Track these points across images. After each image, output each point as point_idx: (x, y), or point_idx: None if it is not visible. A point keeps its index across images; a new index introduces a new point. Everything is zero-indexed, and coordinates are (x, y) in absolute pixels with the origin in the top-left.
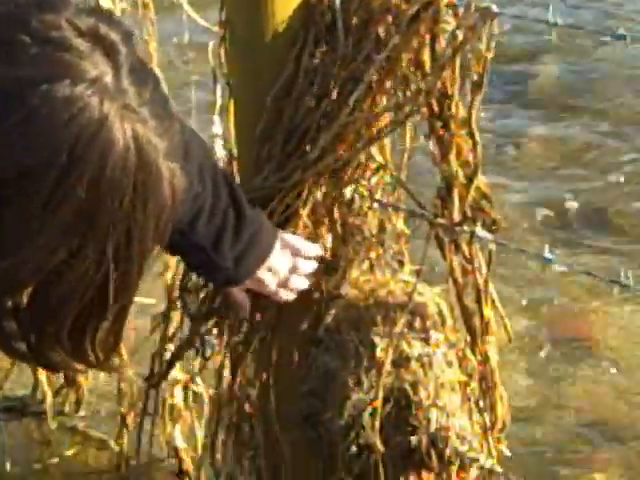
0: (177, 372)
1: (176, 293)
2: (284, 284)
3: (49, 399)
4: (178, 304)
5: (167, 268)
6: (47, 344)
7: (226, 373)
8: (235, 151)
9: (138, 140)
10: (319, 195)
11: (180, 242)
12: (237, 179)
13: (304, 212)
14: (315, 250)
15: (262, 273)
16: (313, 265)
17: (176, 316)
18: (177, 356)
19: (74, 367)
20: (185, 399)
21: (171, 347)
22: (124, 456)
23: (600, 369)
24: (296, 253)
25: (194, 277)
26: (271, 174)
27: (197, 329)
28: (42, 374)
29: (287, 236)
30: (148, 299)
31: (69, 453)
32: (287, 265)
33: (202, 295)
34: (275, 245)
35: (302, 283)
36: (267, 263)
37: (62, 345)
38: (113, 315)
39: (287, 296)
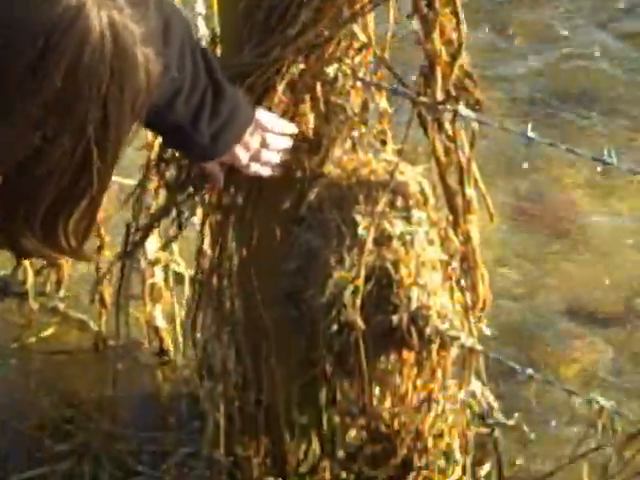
0: (157, 252)
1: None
2: (256, 158)
3: (30, 279)
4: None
5: (146, 145)
6: (18, 229)
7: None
8: (218, 30)
9: (114, 27)
10: (296, 71)
11: (158, 121)
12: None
13: (280, 87)
14: (286, 127)
15: (237, 148)
16: (285, 142)
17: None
18: (152, 225)
19: (47, 254)
20: (165, 279)
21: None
22: (102, 336)
23: (580, 253)
24: (267, 129)
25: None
26: (251, 50)
27: (173, 198)
28: None
29: (259, 112)
30: (128, 179)
31: (48, 333)
32: (258, 140)
33: (178, 166)
34: (252, 123)
35: (274, 157)
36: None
37: (34, 231)
38: (87, 201)
39: (260, 170)
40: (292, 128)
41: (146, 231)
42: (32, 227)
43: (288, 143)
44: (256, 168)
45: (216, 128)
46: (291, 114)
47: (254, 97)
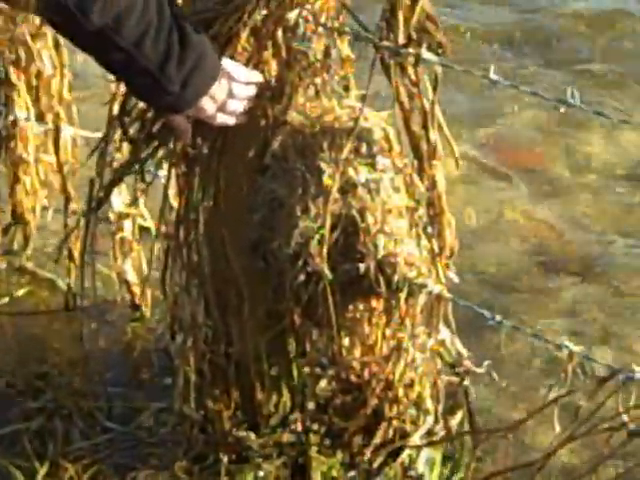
0: (125, 206)
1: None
2: (222, 108)
3: None
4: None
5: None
6: None
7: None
8: None
9: None
10: (259, 18)
11: (126, 65)
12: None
13: (243, 35)
14: (252, 76)
15: (204, 100)
16: (251, 90)
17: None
18: (116, 180)
19: None
20: (133, 233)
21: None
22: (73, 294)
23: (542, 197)
24: (232, 78)
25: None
26: None
27: (137, 153)
28: None
29: (225, 61)
30: (96, 133)
31: (19, 294)
32: (224, 91)
33: (142, 120)
34: (219, 72)
35: (239, 107)
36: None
37: None
38: None
39: (226, 120)
40: (257, 76)
41: (110, 187)
42: None
43: (253, 92)
44: (223, 119)
45: (184, 75)
46: (254, 62)
47: (218, 46)
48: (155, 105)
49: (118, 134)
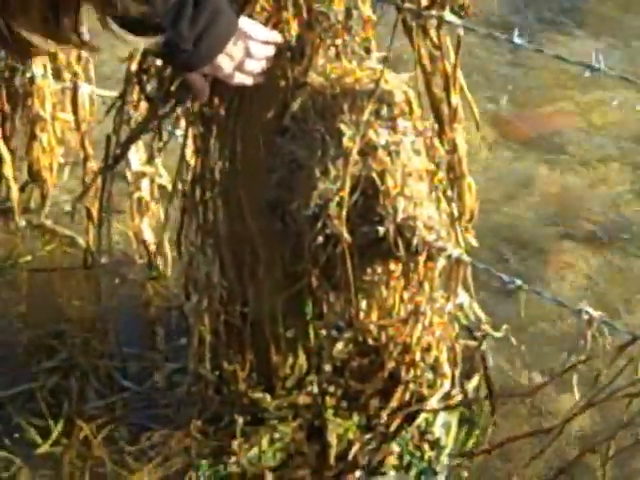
0: (143, 165)
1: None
2: (239, 68)
3: (15, 195)
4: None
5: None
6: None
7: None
8: None
9: None
10: None
11: (139, 20)
12: None
13: None
14: (270, 35)
15: (220, 58)
16: (269, 50)
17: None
18: (133, 138)
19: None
20: (152, 192)
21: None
22: (91, 251)
23: (564, 163)
24: (250, 37)
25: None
26: None
27: (154, 111)
28: (7, 167)
29: (242, 20)
30: (114, 91)
31: (43, 252)
32: (241, 49)
33: (160, 78)
34: (235, 30)
35: (257, 67)
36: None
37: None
38: None
39: (244, 80)
40: (276, 36)
41: (127, 144)
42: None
43: (272, 52)
44: (240, 78)
45: (198, 31)
46: (274, 22)
47: (236, 5)
48: (169, 62)
49: (136, 92)
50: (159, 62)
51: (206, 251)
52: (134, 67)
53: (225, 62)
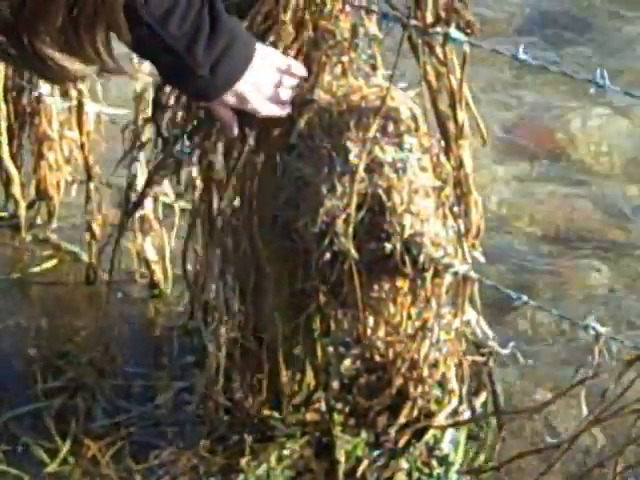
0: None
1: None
2: (275, 98)
3: (22, 211)
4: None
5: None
6: (39, 40)
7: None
8: None
9: None
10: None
11: (151, 41)
12: None
13: (286, 17)
14: (294, 64)
15: (244, 87)
16: (294, 79)
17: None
18: (151, 182)
19: (72, 68)
20: (155, 210)
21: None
22: (93, 268)
23: (571, 179)
24: (282, 69)
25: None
26: None
27: (170, 151)
28: (15, 185)
29: (266, 48)
30: (121, 109)
31: (44, 267)
32: (273, 80)
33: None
34: (254, 57)
35: (286, 96)
36: (249, 77)
37: (55, 40)
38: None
39: (274, 111)
40: (299, 67)
41: (146, 189)
42: (52, 35)
43: (297, 81)
44: (270, 109)
45: (215, 58)
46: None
47: (256, 32)
48: (184, 89)
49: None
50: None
51: (226, 279)
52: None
53: (250, 92)
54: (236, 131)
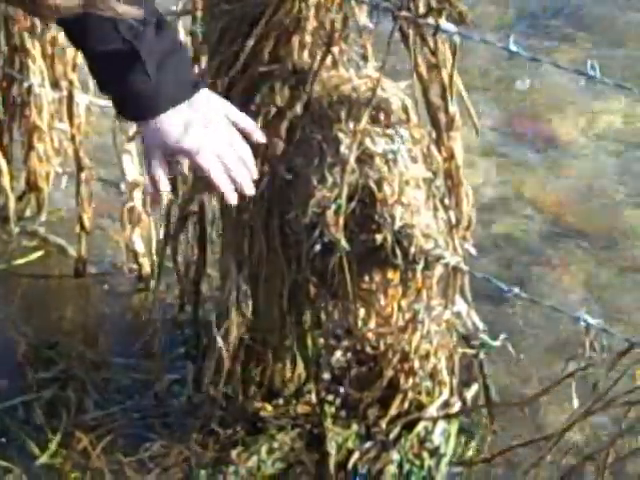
0: (137, 175)
1: None
2: (225, 155)
3: (12, 203)
4: None
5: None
6: None
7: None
8: None
9: None
10: None
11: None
12: None
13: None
14: (255, 131)
15: (192, 115)
16: (248, 151)
17: None
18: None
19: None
20: (144, 203)
21: None
22: (82, 260)
23: (562, 168)
24: (237, 125)
25: None
26: None
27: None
28: (4, 177)
29: (223, 100)
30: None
31: (29, 259)
32: (226, 136)
33: None
34: (203, 88)
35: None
36: (200, 106)
37: None
38: None
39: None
40: (261, 137)
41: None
42: None
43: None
44: (213, 166)
45: (162, 54)
46: None
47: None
48: (128, 91)
49: None
50: None
51: (240, 283)
52: None
53: (198, 125)
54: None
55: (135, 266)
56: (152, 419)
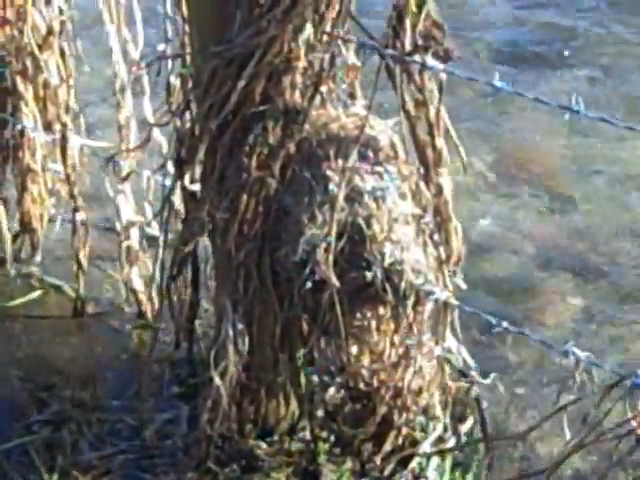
0: (132, 214)
1: None
2: None
3: (8, 245)
4: None
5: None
6: None
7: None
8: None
9: None
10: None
11: None
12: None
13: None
14: None
15: None
16: None
17: None
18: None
19: None
20: (141, 242)
21: None
22: (80, 299)
23: (549, 205)
24: None
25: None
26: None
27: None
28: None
29: None
30: (102, 143)
31: (28, 298)
32: None
33: None
34: None
35: None
36: None
37: None
38: None
39: None
40: None
41: (182, 263)
42: None
43: None
44: None
45: None
46: None
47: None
48: None
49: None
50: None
51: (236, 322)
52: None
53: None
54: None
55: (134, 305)
56: (148, 459)
